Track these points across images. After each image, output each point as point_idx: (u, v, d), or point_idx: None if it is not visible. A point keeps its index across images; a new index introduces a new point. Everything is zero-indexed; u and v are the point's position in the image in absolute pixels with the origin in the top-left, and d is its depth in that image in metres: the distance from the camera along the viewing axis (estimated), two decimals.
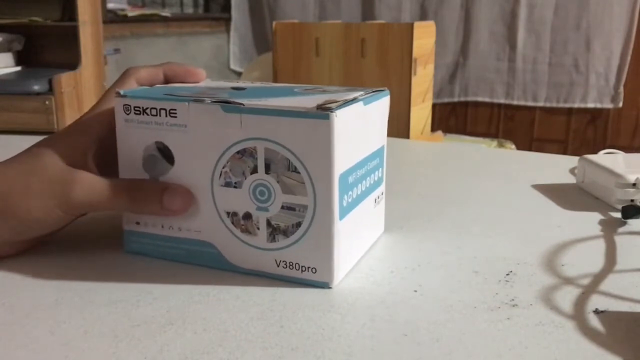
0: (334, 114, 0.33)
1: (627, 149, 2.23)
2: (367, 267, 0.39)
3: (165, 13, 2.55)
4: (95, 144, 0.39)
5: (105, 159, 0.40)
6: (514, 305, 0.34)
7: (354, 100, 0.36)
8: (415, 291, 0.36)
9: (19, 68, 0.93)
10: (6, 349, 0.29)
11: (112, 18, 2.27)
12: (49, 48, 0.97)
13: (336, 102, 0.34)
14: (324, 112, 0.33)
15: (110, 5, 2.30)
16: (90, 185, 0.37)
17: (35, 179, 0.37)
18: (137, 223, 0.40)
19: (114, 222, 0.44)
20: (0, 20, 0.92)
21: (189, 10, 2.83)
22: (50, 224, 0.38)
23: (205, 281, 0.36)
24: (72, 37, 0.88)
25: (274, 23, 1.36)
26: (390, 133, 1.22)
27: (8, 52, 0.92)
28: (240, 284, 0.36)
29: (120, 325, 0.31)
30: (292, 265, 0.36)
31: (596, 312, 0.33)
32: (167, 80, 0.43)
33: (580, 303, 0.34)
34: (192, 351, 0.29)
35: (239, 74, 2.90)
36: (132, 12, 2.38)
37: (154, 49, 2.51)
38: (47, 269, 0.38)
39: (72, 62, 0.89)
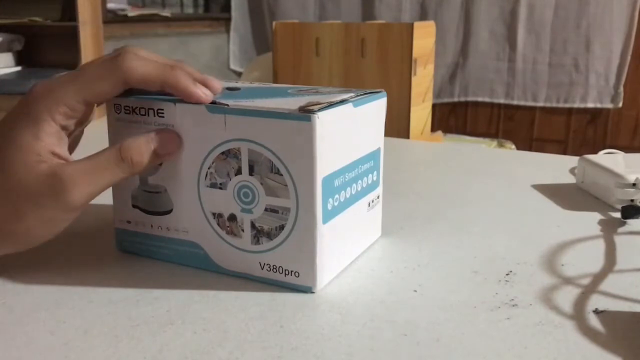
0: (315, 115, 0.32)
1: (627, 149, 2.23)
2: (367, 267, 0.39)
3: (166, 13, 2.55)
4: (59, 113, 0.34)
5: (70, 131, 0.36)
6: (513, 305, 0.34)
7: (342, 102, 0.35)
8: (415, 291, 0.36)
9: (19, 68, 0.94)
10: (6, 349, 0.29)
11: (112, 18, 2.27)
12: (49, 48, 0.97)
13: (320, 104, 0.33)
14: (305, 114, 0.32)
15: (110, 5, 2.30)
16: (82, 175, 0.33)
17: (20, 200, 0.33)
18: (128, 222, 0.40)
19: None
20: (0, 20, 0.92)
21: (189, 10, 2.82)
22: (59, 228, 0.35)
23: (205, 281, 0.36)
24: (72, 37, 0.88)
25: (274, 23, 1.36)
26: (390, 133, 1.22)
27: (8, 52, 0.93)
28: (239, 284, 0.36)
29: (120, 325, 0.31)
30: (275, 268, 0.36)
31: (596, 312, 0.33)
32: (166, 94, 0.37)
33: (579, 303, 0.34)
34: (192, 351, 0.29)
35: (239, 74, 2.90)
36: (132, 12, 2.38)
37: (154, 49, 2.50)
38: (47, 269, 0.38)
39: (72, 62, 0.89)
